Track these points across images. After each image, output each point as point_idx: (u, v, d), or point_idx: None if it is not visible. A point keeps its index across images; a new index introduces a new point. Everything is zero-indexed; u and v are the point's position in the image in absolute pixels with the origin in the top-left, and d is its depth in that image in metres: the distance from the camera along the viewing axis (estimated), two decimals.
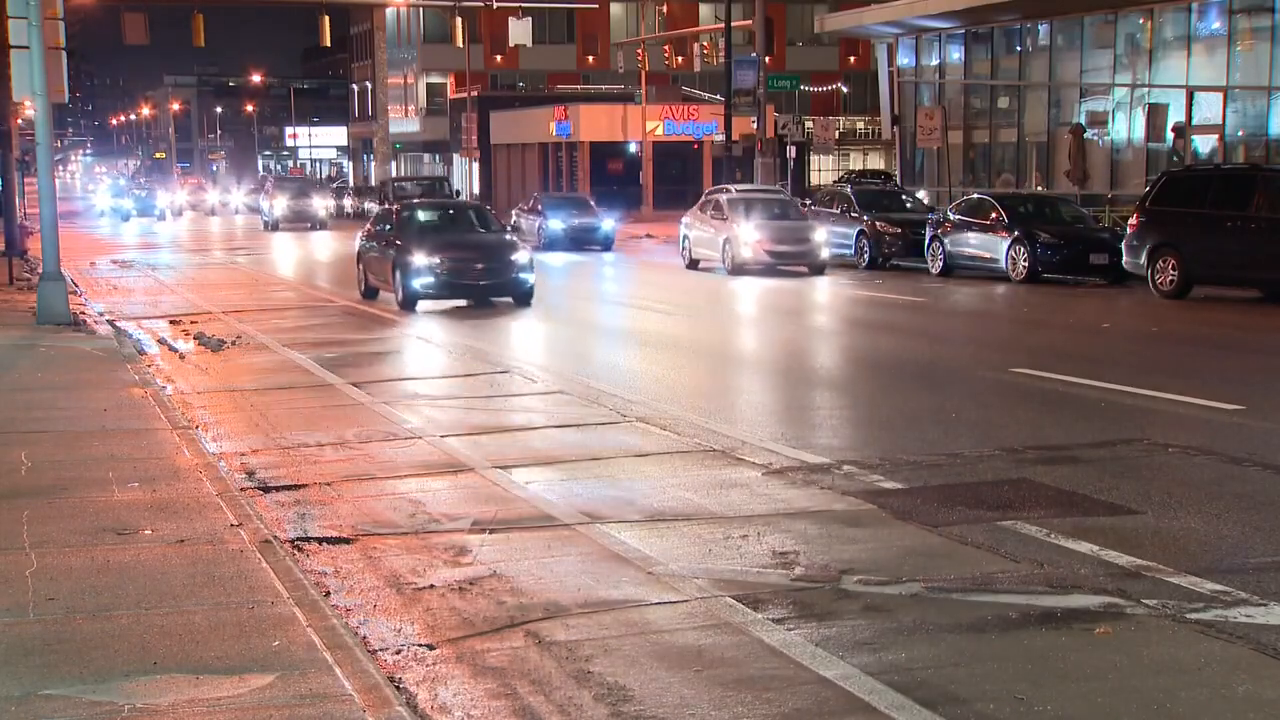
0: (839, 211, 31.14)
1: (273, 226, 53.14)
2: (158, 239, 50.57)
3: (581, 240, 38.91)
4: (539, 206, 40.87)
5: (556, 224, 39.22)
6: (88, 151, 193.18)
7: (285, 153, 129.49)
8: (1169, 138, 37.14)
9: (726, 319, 21.47)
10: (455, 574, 7.33)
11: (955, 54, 49.21)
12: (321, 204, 55.20)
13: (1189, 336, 17.82)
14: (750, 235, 28.32)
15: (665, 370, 15.28)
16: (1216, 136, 37.85)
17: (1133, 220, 23.43)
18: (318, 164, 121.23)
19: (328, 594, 6.95)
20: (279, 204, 53.82)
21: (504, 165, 72.14)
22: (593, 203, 42.41)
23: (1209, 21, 38.94)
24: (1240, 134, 37.84)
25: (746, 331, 20.27)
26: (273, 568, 7.08)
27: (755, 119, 43.16)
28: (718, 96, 57.08)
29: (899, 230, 29.79)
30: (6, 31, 19.92)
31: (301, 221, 53.55)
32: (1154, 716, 5.41)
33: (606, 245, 38.73)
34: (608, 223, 39.86)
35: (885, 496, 8.89)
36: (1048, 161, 44.34)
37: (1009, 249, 25.79)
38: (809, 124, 59.79)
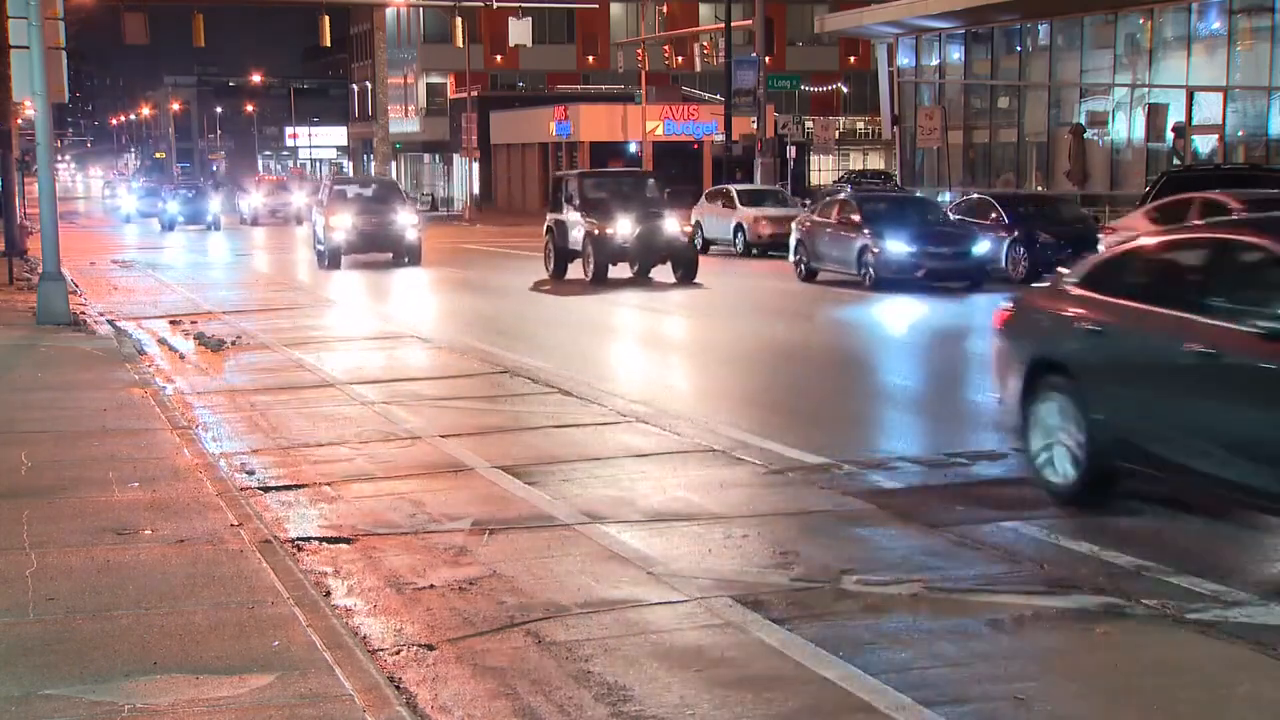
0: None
1: (332, 262, 31.62)
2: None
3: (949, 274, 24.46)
4: (862, 210, 25.25)
5: (900, 246, 23.84)
6: (66, 158, 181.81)
7: (285, 153, 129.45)
8: (1169, 138, 37.19)
9: None
10: (455, 574, 7.32)
11: (955, 54, 49.28)
12: (409, 222, 32.54)
13: None
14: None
15: None
16: (1216, 136, 37.90)
17: None
18: (318, 164, 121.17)
19: (328, 594, 6.95)
20: (343, 223, 31.54)
21: (504, 165, 72.16)
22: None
23: (1209, 21, 38.99)
24: (1240, 134, 37.87)
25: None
26: (273, 568, 7.08)
27: (755, 119, 43.17)
28: (718, 96, 57.05)
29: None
30: (6, 31, 19.93)
31: (379, 250, 32.45)
32: (1154, 716, 5.41)
33: (976, 280, 24.21)
34: (983, 245, 24.71)
35: (885, 496, 8.89)
36: (1048, 161, 44.40)
37: (1009, 249, 25.77)
38: (809, 124, 59.85)
